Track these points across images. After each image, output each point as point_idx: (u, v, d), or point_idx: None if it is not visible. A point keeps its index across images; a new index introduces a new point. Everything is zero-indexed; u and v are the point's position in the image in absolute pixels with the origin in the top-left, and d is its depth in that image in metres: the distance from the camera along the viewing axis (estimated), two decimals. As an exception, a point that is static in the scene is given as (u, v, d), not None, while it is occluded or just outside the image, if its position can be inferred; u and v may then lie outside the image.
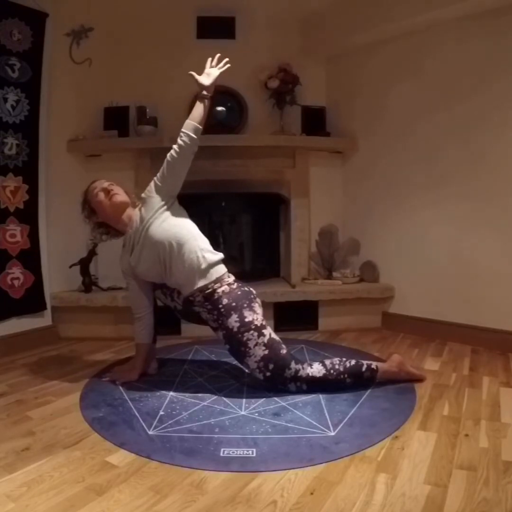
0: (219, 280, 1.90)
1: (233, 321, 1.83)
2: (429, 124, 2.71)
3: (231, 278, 1.96)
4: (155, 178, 1.97)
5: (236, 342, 1.84)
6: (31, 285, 2.61)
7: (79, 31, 2.86)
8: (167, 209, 1.93)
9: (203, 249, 1.90)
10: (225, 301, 1.86)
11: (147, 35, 3.01)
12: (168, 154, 1.94)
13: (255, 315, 1.86)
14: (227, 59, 2.00)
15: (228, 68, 2.01)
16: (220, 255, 1.96)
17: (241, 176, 3.00)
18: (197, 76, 1.97)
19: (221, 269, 1.95)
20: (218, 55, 2.00)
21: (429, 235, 2.75)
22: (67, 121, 2.85)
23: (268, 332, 1.85)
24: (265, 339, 1.82)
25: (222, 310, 1.85)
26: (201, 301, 1.90)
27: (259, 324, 1.84)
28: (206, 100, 1.97)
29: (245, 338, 1.81)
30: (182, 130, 1.93)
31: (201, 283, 1.88)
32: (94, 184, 2.00)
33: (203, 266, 1.87)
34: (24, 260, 2.57)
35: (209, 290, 1.88)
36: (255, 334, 1.81)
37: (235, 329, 1.82)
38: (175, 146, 1.92)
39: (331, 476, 1.28)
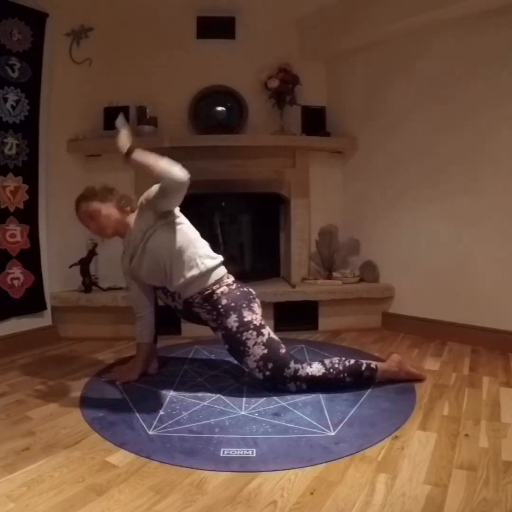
0: (218, 281, 1.91)
1: (232, 321, 1.83)
2: (429, 123, 2.71)
3: (230, 279, 1.97)
4: (154, 189, 1.84)
5: (235, 342, 1.85)
6: (31, 285, 2.61)
7: (79, 31, 2.86)
8: (165, 218, 1.88)
9: (202, 256, 1.90)
10: (224, 301, 1.87)
11: (147, 35, 3.01)
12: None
13: (254, 315, 1.86)
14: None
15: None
16: (219, 259, 1.96)
17: (241, 176, 3.00)
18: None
19: (220, 271, 1.95)
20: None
21: (429, 235, 2.75)
22: (67, 121, 2.85)
23: (267, 331, 1.86)
24: (264, 339, 1.83)
25: (221, 310, 1.86)
26: (200, 302, 1.91)
27: (258, 324, 1.84)
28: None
29: (244, 338, 1.82)
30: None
31: (200, 288, 1.89)
32: (77, 213, 1.94)
33: (203, 272, 1.88)
34: (24, 260, 2.57)
35: (208, 292, 1.89)
36: (254, 333, 1.82)
37: (234, 329, 1.83)
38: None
39: (331, 476, 1.28)
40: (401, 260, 2.91)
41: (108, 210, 1.92)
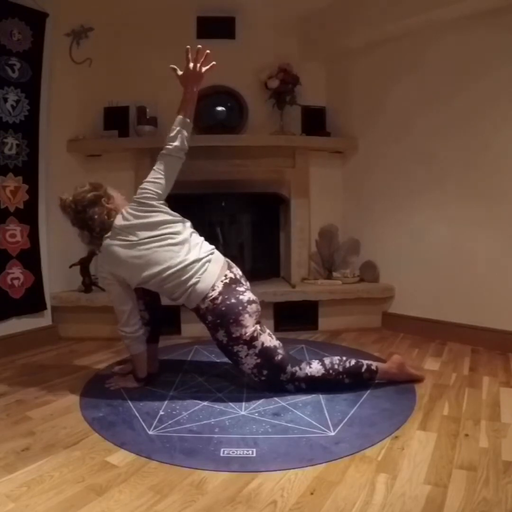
0: (202, 299, 1.82)
1: (221, 335, 1.81)
2: (428, 123, 2.71)
3: (217, 290, 1.80)
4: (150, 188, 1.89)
5: (227, 353, 1.86)
6: (31, 285, 2.61)
7: (79, 31, 2.86)
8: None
9: (191, 283, 1.81)
10: (210, 318, 1.81)
11: (147, 35, 3.01)
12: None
13: (243, 329, 1.77)
14: (209, 52, 1.89)
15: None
16: (197, 278, 1.81)
17: (241, 176, 3.00)
18: (179, 73, 1.91)
19: (203, 290, 1.80)
20: (199, 46, 1.88)
21: (429, 235, 2.75)
22: (67, 121, 2.85)
23: (260, 342, 1.80)
24: (257, 350, 1.79)
25: (210, 325, 1.83)
26: (193, 312, 1.91)
27: (248, 338, 1.78)
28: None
29: (235, 350, 1.81)
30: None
31: (188, 304, 1.88)
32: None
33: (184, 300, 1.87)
34: (24, 260, 2.57)
35: (194, 307, 1.86)
36: (245, 347, 1.79)
37: (224, 342, 1.82)
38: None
39: (331, 476, 1.28)
40: (401, 260, 2.90)
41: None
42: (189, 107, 1.93)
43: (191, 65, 1.88)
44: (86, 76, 2.91)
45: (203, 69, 1.91)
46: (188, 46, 1.88)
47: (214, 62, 1.91)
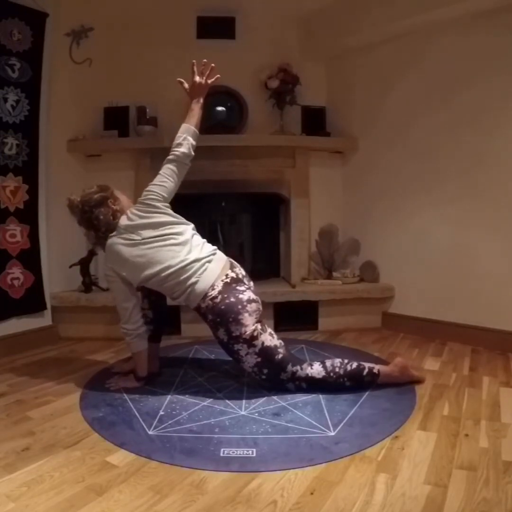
0: (203, 298, 1.83)
1: (221, 334, 1.82)
2: (429, 123, 2.71)
3: (216, 290, 1.82)
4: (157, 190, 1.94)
5: (228, 351, 1.87)
6: (31, 285, 2.61)
7: (79, 31, 2.86)
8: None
9: (190, 283, 1.83)
10: (210, 317, 1.83)
11: (147, 35, 3.01)
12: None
13: (243, 328, 1.78)
14: (213, 65, 2.00)
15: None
16: (196, 278, 1.83)
17: (241, 176, 3.00)
18: (186, 86, 2.03)
19: (202, 289, 1.82)
20: (204, 61, 1.99)
21: (429, 235, 2.75)
22: (67, 121, 2.85)
23: (260, 341, 1.80)
24: (257, 349, 1.80)
25: (210, 323, 1.85)
26: (194, 311, 1.92)
27: (248, 337, 1.78)
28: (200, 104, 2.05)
29: (235, 348, 1.82)
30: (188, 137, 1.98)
31: (190, 304, 1.90)
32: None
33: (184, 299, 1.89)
34: (24, 260, 2.57)
35: (195, 306, 1.87)
36: (245, 345, 1.80)
37: (225, 340, 1.83)
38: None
39: (331, 476, 1.28)
40: (401, 260, 2.90)
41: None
42: (196, 117, 2.02)
43: (197, 78, 2.00)
44: (86, 76, 2.91)
45: (209, 81, 2.02)
46: (194, 61, 1.98)
47: (218, 75, 2.02)
